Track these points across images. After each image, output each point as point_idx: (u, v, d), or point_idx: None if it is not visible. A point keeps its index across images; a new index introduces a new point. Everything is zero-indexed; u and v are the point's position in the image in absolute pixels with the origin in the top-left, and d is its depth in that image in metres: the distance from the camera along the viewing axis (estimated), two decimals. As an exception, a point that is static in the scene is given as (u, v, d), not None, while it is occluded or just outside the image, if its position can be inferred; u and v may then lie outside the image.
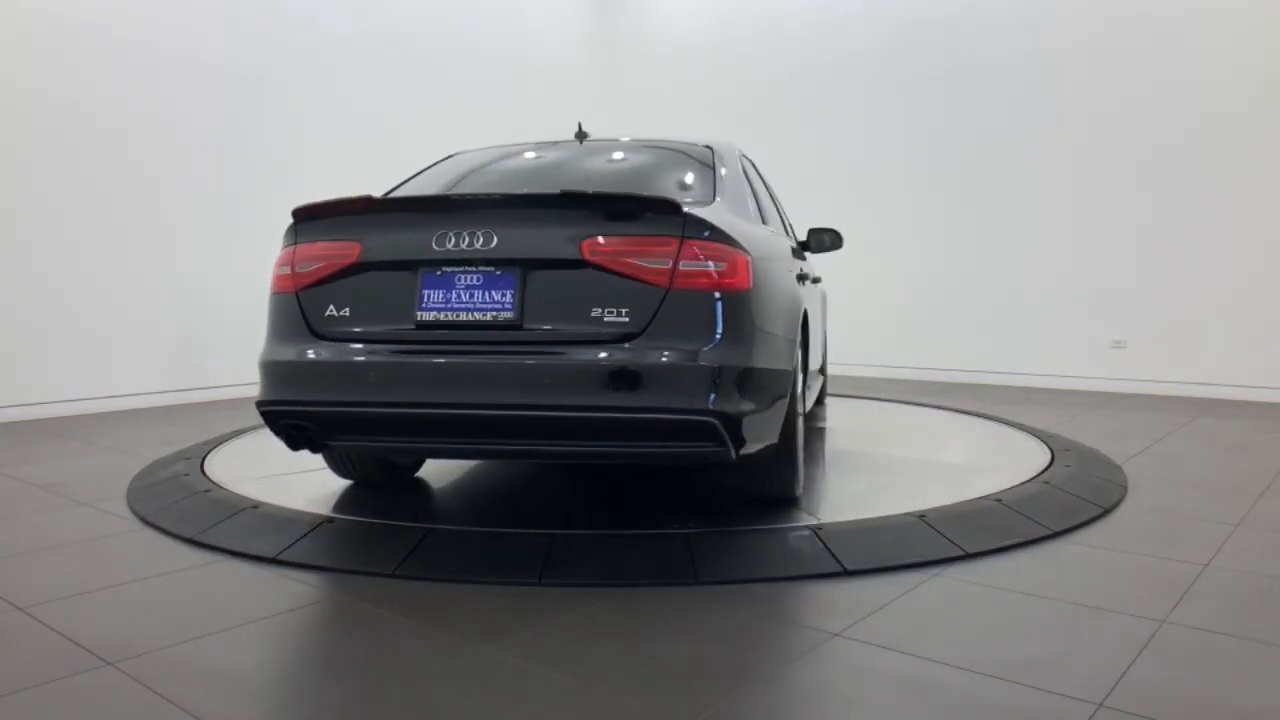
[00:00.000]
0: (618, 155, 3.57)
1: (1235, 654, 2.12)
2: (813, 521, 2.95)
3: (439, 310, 2.69)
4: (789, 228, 4.36)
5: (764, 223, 3.49)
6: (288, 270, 2.89)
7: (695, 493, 3.44)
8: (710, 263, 2.59)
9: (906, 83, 7.89)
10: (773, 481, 3.09)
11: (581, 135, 3.78)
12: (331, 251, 2.82)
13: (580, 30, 9.40)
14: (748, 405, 2.63)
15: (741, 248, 2.68)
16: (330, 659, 2.10)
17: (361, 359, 2.72)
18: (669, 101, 9.11)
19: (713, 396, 2.54)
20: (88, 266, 5.82)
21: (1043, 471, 3.73)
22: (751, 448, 2.72)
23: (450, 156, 3.80)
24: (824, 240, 4.51)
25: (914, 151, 7.87)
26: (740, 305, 2.63)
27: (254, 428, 4.74)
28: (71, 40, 5.71)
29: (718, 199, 3.03)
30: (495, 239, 2.66)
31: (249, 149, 6.56)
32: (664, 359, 2.53)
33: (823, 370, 5.40)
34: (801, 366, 3.38)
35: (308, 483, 3.65)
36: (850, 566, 2.67)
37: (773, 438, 2.85)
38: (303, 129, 6.88)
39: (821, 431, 4.84)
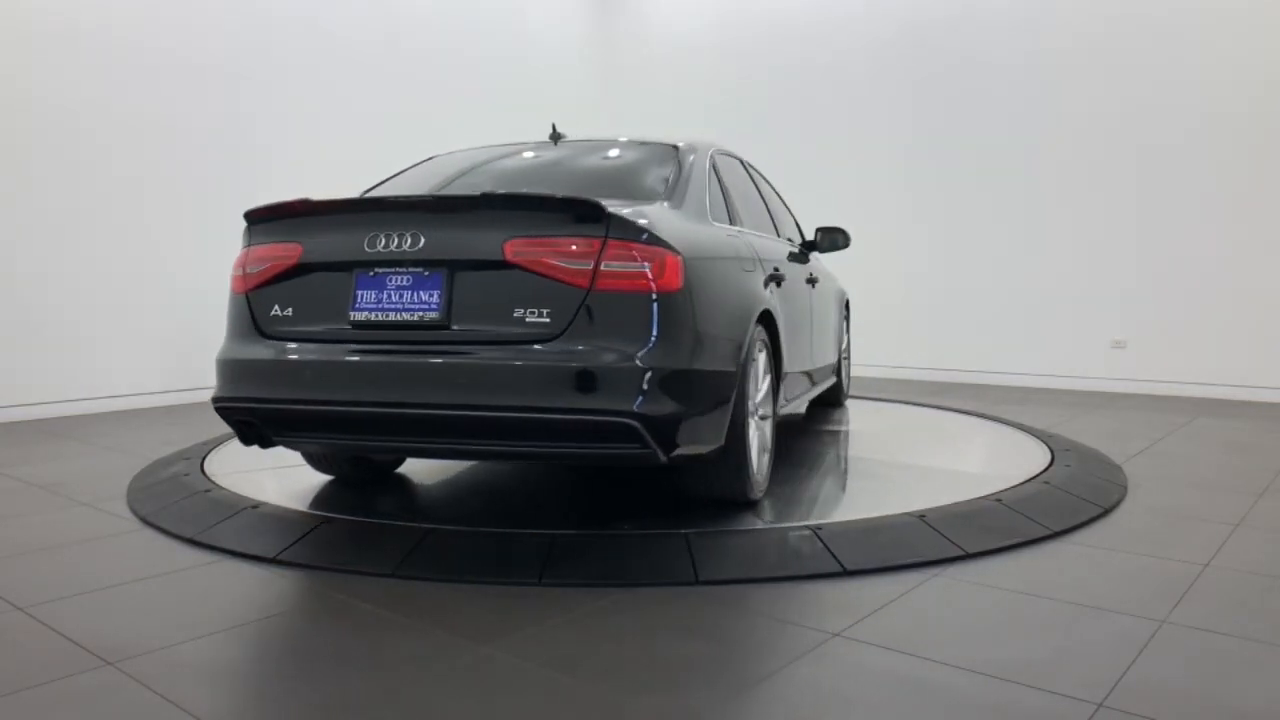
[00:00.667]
0: (585, 155, 3.60)
1: (1235, 654, 2.12)
2: (813, 521, 2.94)
3: (371, 310, 2.74)
4: (780, 227, 4.30)
5: (733, 222, 3.46)
6: (240, 272, 3.00)
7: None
8: (634, 263, 2.59)
9: (907, 82, 7.89)
10: (723, 484, 3.04)
11: (556, 136, 3.84)
12: (276, 253, 2.90)
13: (580, 30, 9.40)
14: (675, 407, 2.61)
15: (671, 248, 2.67)
16: (330, 659, 2.10)
17: (300, 358, 2.80)
18: (669, 101, 9.11)
19: (631, 398, 2.53)
20: (88, 266, 5.82)
21: (1043, 471, 3.72)
22: (687, 450, 2.73)
23: (429, 159, 3.86)
24: (835, 240, 4.58)
25: (914, 151, 7.87)
26: (667, 306, 2.62)
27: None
28: (70, 41, 5.71)
29: (666, 199, 3.05)
30: (422, 240, 2.70)
31: (249, 149, 6.56)
32: (582, 360, 2.54)
33: (836, 371, 5.33)
34: (771, 368, 3.36)
35: (307, 483, 3.65)
36: (850, 566, 2.67)
37: (714, 440, 2.83)
38: (304, 128, 6.89)
39: (826, 432, 4.84)
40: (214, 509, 3.23)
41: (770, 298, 3.35)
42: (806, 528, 2.88)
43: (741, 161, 4.22)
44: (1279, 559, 2.83)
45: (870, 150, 8.08)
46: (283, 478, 3.70)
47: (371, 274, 2.76)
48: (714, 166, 3.53)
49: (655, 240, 2.64)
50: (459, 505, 3.25)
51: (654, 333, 2.59)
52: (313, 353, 2.80)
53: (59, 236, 5.71)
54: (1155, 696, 1.88)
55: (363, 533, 2.93)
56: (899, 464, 4.07)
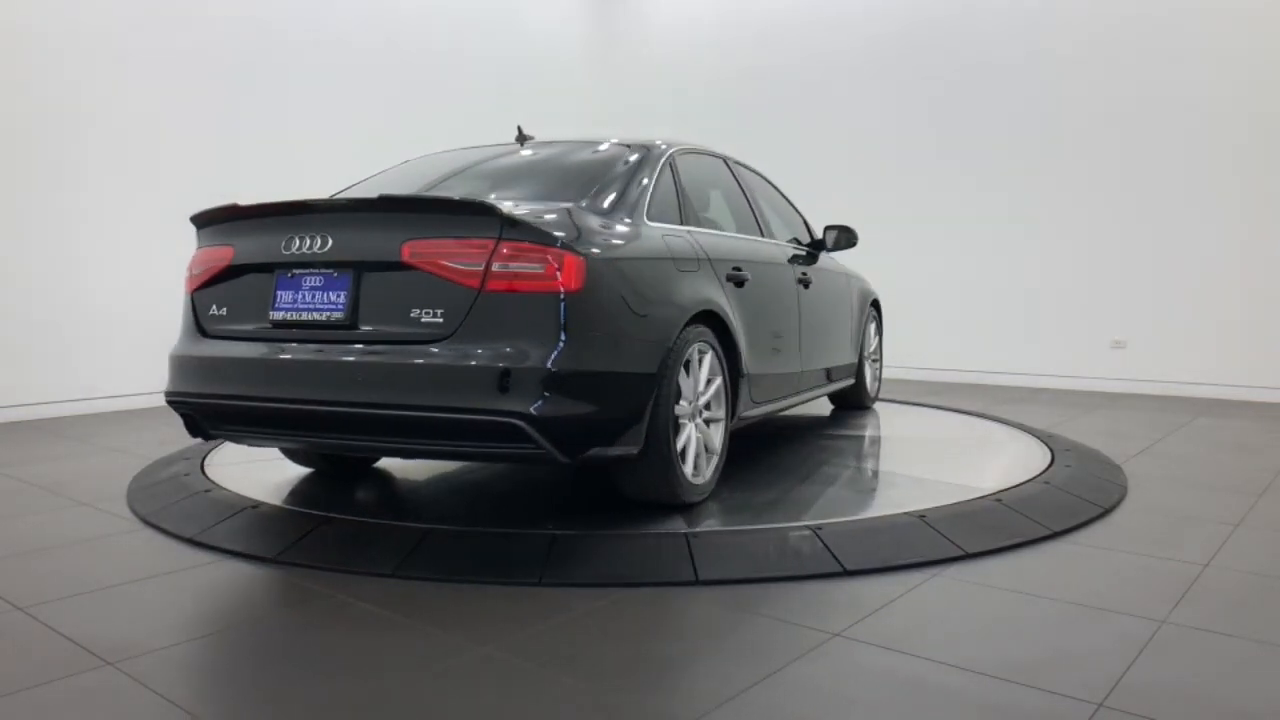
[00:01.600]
0: (539, 157, 3.62)
1: (1235, 654, 2.12)
2: (812, 521, 2.94)
3: (287, 310, 2.86)
4: (767, 227, 4.20)
5: (685, 222, 3.43)
6: (189, 273, 3.16)
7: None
8: (526, 264, 2.62)
9: (907, 82, 7.89)
10: (649, 486, 3.02)
11: (522, 137, 3.92)
12: (214, 256, 3.06)
13: (580, 29, 9.40)
14: (569, 408, 2.62)
15: (570, 249, 2.67)
16: (330, 659, 2.10)
17: (228, 355, 2.94)
18: (669, 100, 9.11)
19: (516, 398, 2.56)
20: (88, 266, 5.82)
21: (1043, 471, 3.72)
22: (600, 452, 2.77)
23: (403, 162, 3.97)
24: (841, 239, 4.63)
25: (913, 151, 7.87)
26: (562, 307, 2.62)
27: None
28: (71, 42, 5.71)
29: (590, 200, 3.06)
30: (330, 242, 2.78)
31: (248, 147, 6.56)
32: (470, 360, 2.58)
33: (857, 373, 5.21)
34: (724, 370, 3.29)
35: (307, 483, 3.65)
36: (850, 566, 2.67)
37: (630, 442, 2.85)
38: (303, 128, 6.88)
39: (825, 433, 4.84)
40: (214, 509, 3.22)
41: (720, 297, 3.31)
42: (806, 528, 2.88)
43: (726, 161, 4.18)
44: (1279, 559, 2.83)
45: (869, 149, 8.08)
46: (283, 478, 3.71)
47: (290, 275, 2.87)
48: (671, 167, 3.52)
49: (550, 241, 2.66)
50: (459, 505, 3.25)
51: (546, 333, 2.61)
52: (238, 351, 2.92)
53: (59, 236, 5.71)
54: (1155, 696, 1.88)
55: (363, 533, 2.93)
56: (899, 464, 4.07)
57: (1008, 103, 7.40)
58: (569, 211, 2.89)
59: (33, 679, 1.97)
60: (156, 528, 3.16)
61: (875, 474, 3.81)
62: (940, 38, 7.71)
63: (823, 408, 5.57)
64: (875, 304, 5.59)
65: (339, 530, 2.96)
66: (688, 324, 3.07)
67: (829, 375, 4.71)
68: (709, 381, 3.25)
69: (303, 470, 3.82)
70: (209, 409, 3.01)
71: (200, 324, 3.08)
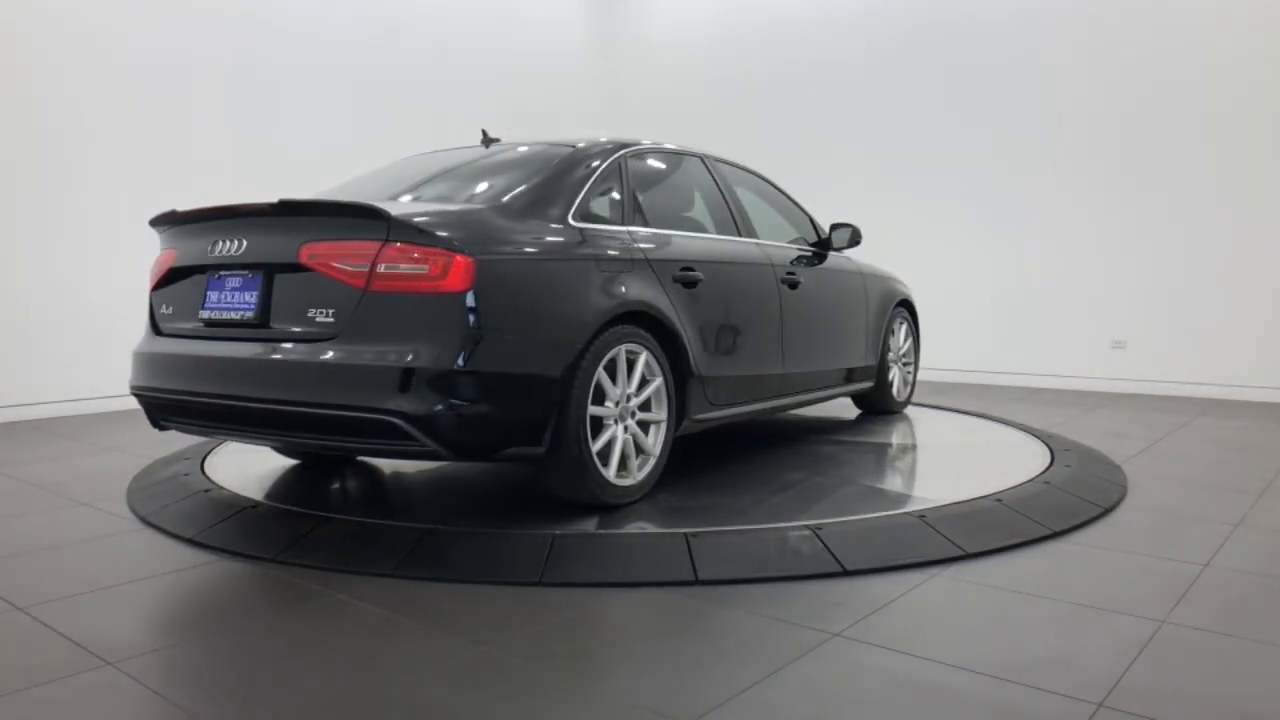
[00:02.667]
0: (489, 160, 3.63)
1: (1235, 654, 2.12)
2: (812, 521, 2.94)
3: (214, 309, 3.02)
4: (743, 225, 4.10)
5: (626, 223, 3.40)
6: (151, 275, 3.35)
7: (692, 491, 3.44)
8: (410, 265, 2.68)
9: (907, 82, 7.90)
10: (564, 485, 3.04)
11: (487, 140, 3.97)
12: (165, 258, 3.26)
13: (580, 28, 9.40)
14: (455, 406, 2.66)
15: (459, 249, 2.70)
16: (330, 659, 2.10)
17: (170, 352, 3.12)
18: (669, 97, 9.11)
19: (394, 396, 2.62)
20: (88, 266, 5.82)
21: (1043, 471, 3.72)
22: (486, 450, 2.84)
23: (392, 164, 4.03)
24: (845, 237, 4.59)
25: (913, 150, 7.87)
26: (447, 307, 2.67)
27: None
28: (71, 42, 5.72)
29: (505, 202, 3.08)
30: (246, 245, 2.94)
31: (247, 147, 6.56)
32: (352, 359, 2.67)
33: (876, 375, 5.03)
34: (668, 371, 3.27)
35: (307, 483, 3.65)
36: (850, 566, 2.67)
37: (532, 441, 2.87)
38: (302, 127, 6.88)
39: (833, 435, 4.84)
40: (214, 509, 3.23)
41: (658, 298, 3.27)
42: (806, 528, 2.88)
43: (704, 160, 4.13)
44: (1279, 559, 2.83)
45: (869, 149, 8.07)
46: (282, 478, 3.71)
47: (218, 276, 3.04)
48: (620, 167, 3.52)
49: (436, 243, 2.70)
50: (459, 505, 3.25)
51: (429, 333, 2.67)
52: (178, 348, 3.10)
53: (58, 237, 5.71)
54: (1155, 696, 1.88)
55: (363, 533, 2.93)
56: (899, 464, 4.07)
57: (1007, 103, 7.39)
58: (471, 213, 2.96)
59: (33, 679, 1.97)
60: (156, 528, 3.16)
61: (875, 474, 3.81)
62: (939, 37, 7.71)
63: (847, 411, 5.40)
64: (906, 305, 5.40)
65: (339, 530, 2.96)
66: (612, 324, 3.06)
67: (832, 378, 4.58)
68: (645, 382, 3.23)
69: (302, 470, 3.83)
70: (157, 402, 3.18)
71: (155, 322, 3.28)
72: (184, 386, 3.02)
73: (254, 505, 3.23)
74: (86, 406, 5.81)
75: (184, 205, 3.31)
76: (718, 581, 2.58)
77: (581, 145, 3.53)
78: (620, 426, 3.13)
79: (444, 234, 2.72)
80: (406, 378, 2.63)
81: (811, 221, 4.72)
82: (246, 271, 2.95)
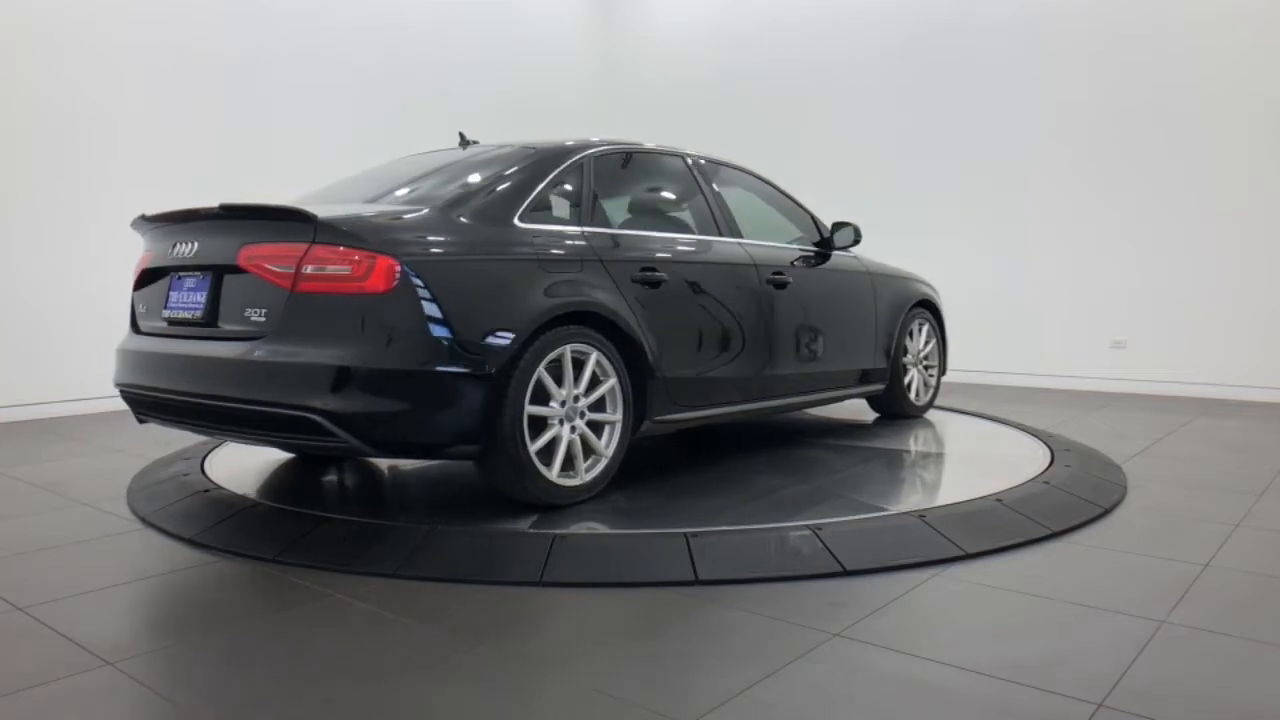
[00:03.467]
0: (458, 162, 3.63)
1: (1235, 654, 2.12)
2: (812, 521, 2.94)
3: (173, 309, 3.16)
4: (724, 224, 4.03)
5: (582, 224, 3.40)
6: (133, 275, 3.46)
7: (692, 491, 3.44)
8: (333, 266, 2.76)
9: (907, 80, 7.90)
10: (504, 483, 3.07)
11: (464, 142, 4.02)
12: (142, 259, 3.40)
13: (580, 25, 9.39)
14: (374, 404, 2.72)
15: (383, 251, 2.76)
16: (330, 659, 2.10)
17: (140, 349, 3.25)
18: (669, 96, 9.11)
19: (312, 393, 2.71)
20: (87, 266, 5.82)
21: (1043, 471, 3.72)
22: (413, 448, 2.94)
23: (371, 169, 4.07)
24: (845, 235, 4.53)
25: (913, 149, 7.87)
26: (369, 307, 2.75)
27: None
28: (72, 40, 5.72)
29: (448, 203, 3.13)
30: (197, 247, 3.08)
31: (247, 147, 6.56)
32: (277, 356, 2.76)
33: (887, 378, 4.88)
34: (622, 371, 3.27)
35: (307, 483, 3.65)
36: (850, 566, 2.67)
37: (461, 440, 2.91)
38: (302, 126, 6.88)
39: (834, 434, 4.84)
40: (214, 509, 3.23)
41: (612, 298, 3.27)
42: (806, 528, 2.88)
43: (686, 159, 4.09)
44: (1279, 559, 2.83)
45: (869, 147, 8.07)
46: (282, 478, 3.71)
47: (178, 277, 3.17)
48: (581, 169, 3.53)
49: (360, 244, 2.77)
50: (459, 505, 3.25)
51: (349, 332, 2.75)
52: (147, 345, 3.23)
53: (58, 236, 5.71)
54: (1155, 696, 1.88)
55: (363, 533, 2.93)
56: (899, 464, 4.07)
57: (1007, 103, 7.39)
58: (404, 215, 3.02)
59: (33, 679, 1.97)
60: (156, 528, 3.16)
61: (875, 474, 3.81)
62: (940, 35, 7.71)
63: (859, 414, 5.30)
64: (928, 305, 5.23)
65: (339, 530, 2.96)
66: (556, 324, 3.07)
67: (833, 380, 4.50)
68: (598, 382, 3.24)
69: (302, 470, 3.83)
70: (133, 397, 3.29)
71: (134, 320, 3.42)
72: (152, 383, 3.14)
73: (254, 505, 3.23)
74: (86, 406, 5.81)
75: (184, 204, 3.33)
76: (718, 581, 2.58)
77: (543, 147, 3.55)
78: (566, 427, 3.13)
79: (368, 236, 2.80)
80: (326, 376, 2.71)
81: (814, 221, 4.63)
82: (199, 273, 3.08)
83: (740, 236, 4.10)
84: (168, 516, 3.23)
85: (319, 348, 2.73)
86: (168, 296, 3.19)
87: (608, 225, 3.58)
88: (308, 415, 2.71)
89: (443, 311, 2.84)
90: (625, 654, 2.13)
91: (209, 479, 3.61)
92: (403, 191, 3.41)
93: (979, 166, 7.56)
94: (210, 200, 3.12)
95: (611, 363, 3.25)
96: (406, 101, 7.55)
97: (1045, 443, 4.37)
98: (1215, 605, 2.42)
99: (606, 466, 3.28)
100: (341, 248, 2.77)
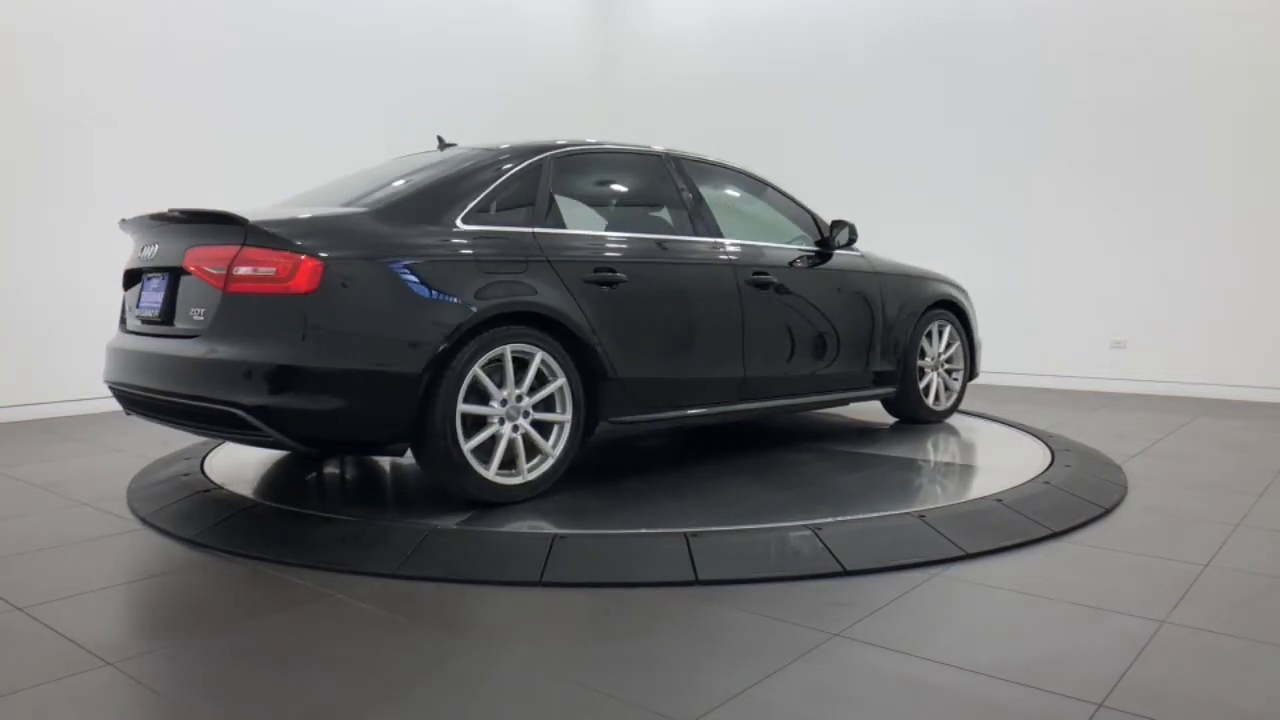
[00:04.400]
0: (425, 165, 3.64)
1: (1235, 654, 2.12)
2: (812, 521, 2.94)
3: (142, 309, 3.34)
4: (700, 224, 3.95)
5: (534, 224, 3.40)
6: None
7: (692, 492, 3.44)
8: (260, 268, 2.87)
9: (907, 81, 7.90)
10: (442, 480, 3.13)
11: (442, 145, 4.06)
12: (129, 261, 3.53)
13: (580, 25, 9.39)
14: (298, 401, 2.82)
15: (308, 252, 2.85)
16: (330, 659, 2.10)
17: (118, 347, 3.39)
18: (669, 96, 9.11)
19: (237, 389, 2.83)
20: (87, 266, 5.82)
21: (1043, 471, 3.72)
22: (339, 443, 3.09)
23: (352, 173, 4.10)
24: (842, 235, 4.44)
25: (913, 149, 7.87)
26: (293, 307, 2.84)
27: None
28: (72, 40, 5.72)
29: (401, 205, 3.20)
30: (158, 249, 3.24)
31: (247, 147, 6.56)
32: (207, 353, 2.90)
33: (896, 380, 4.69)
34: (570, 371, 3.27)
35: (307, 483, 3.65)
36: (850, 566, 2.67)
37: (389, 437, 2.99)
38: (301, 126, 6.88)
39: (836, 434, 4.83)
40: (214, 509, 3.23)
41: (558, 299, 3.27)
42: (806, 527, 2.88)
43: (667, 158, 4.03)
44: (1279, 559, 2.83)
45: (870, 147, 8.08)
46: (282, 478, 3.71)
47: (148, 278, 3.34)
48: (539, 170, 3.54)
49: (286, 246, 2.86)
50: (459, 505, 3.25)
51: (274, 331, 2.85)
52: (125, 342, 3.38)
53: (59, 237, 5.72)
54: (1155, 696, 1.88)
55: (363, 533, 2.93)
56: (899, 464, 4.07)
57: (1007, 103, 7.39)
58: (337, 217, 3.11)
59: (33, 679, 1.97)
60: (156, 528, 3.16)
61: (874, 474, 3.81)
62: (940, 36, 7.71)
63: (878, 416, 5.19)
64: (951, 306, 5.03)
65: (339, 530, 2.96)
66: (495, 324, 3.11)
67: (829, 383, 4.38)
68: (545, 382, 3.25)
69: (302, 471, 3.83)
70: (116, 392, 3.43)
71: (122, 319, 3.57)
72: (126, 379, 3.28)
73: (254, 505, 3.23)
74: (86, 406, 5.81)
75: (183, 204, 3.34)
76: (718, 581, 2.58)
77: (504, 149, 3.58)
78: (508, 426, 3.15)
79: (294, 238, 2.89)
80: (251, 372, 2.82)
81: (815, 221, 4.53)
82: (161, 274, 3.24)
83: (720, 236, 4.00)
84: (168, 516, 3.23)
85: (246, 346, 2.85)
86: (140, 296, 3.36)
87: (564, 226, 3.57)
88: (233, 410, 2.82)
89: (367, 311, 2.93)
90: (625, 654, 2.13)
91: (209, 479, 3.61)
92: (362, 194, 3.40)
93: (979, 166, 7.56)
94: (208, 201, 3.16)
95: (559, 363, 3.27)
96: (407, 102, 7.55)
97: (1045, 443, 4.37)
98: (1215, 605, 2.42)
99: (553, 466, 3.28)
100: (268, 250, 2.87)
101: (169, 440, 4.52)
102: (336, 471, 3.84)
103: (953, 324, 5.06)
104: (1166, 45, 6.70)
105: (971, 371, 5.24)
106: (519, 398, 3.18)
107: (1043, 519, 3.12)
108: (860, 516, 3.04)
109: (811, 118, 8.38)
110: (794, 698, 1.89)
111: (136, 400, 3.26)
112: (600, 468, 3.86)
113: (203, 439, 4.38)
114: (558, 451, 3.29)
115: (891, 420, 5.06)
